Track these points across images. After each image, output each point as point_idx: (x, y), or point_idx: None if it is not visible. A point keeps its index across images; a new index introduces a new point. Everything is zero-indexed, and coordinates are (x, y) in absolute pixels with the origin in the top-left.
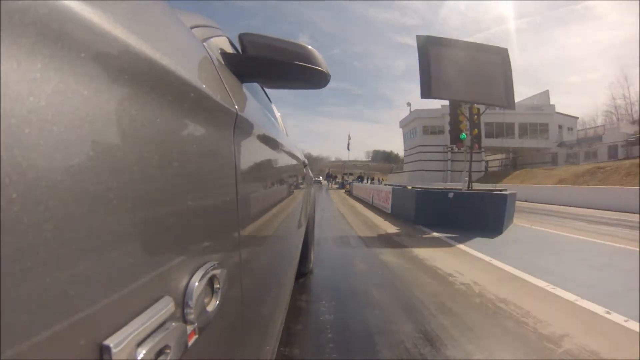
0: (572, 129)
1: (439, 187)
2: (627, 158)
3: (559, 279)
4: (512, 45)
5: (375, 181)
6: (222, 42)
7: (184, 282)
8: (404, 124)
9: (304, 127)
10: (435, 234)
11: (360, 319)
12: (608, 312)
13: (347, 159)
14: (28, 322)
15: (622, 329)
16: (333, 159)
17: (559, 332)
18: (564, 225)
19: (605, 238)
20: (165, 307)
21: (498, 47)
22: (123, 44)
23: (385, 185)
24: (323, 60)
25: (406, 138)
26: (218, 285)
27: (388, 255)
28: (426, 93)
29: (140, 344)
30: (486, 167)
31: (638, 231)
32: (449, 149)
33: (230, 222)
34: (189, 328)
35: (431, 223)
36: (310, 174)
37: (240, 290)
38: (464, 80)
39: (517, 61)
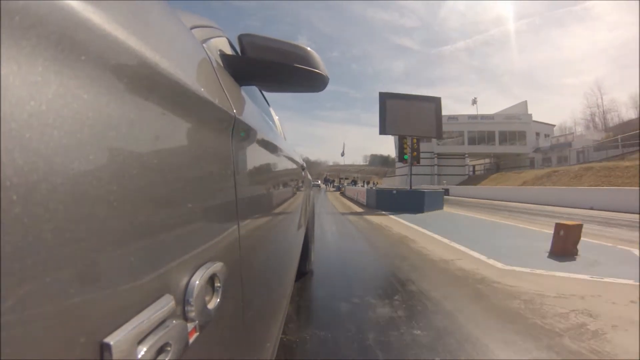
0: (548, 135)
1: (423, 188)
2: (585, 162)
3: (441, 232)
4: (511, 46)
5: (371, 184)
6: (221, 43)
7: (184, 281)
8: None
9: (301, 131)
10: (383, 212)
11: (334, 231)
12: (465, 248)
13: (344, 163)
14: (29, 320)
15: (464, 252)
16: (331, 163)
17: (429, 247)
18: (487, 213)
19: (508, 220)
20: (166, 305)
21: (433, 97)
22: (123, 46)
23: (376, 188)
24: (322, 62)
25: (397, 145)
26: (219, 284)
27: (351, 217)
28: (382, 131)
29: (140, 341)
30: (473, 171)
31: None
32: (435, 155)
33: (230, 223)
34: (190, 326)
35: (384, 207)
36: (309, 176)
37: (240, 289)
38: (408, 121)
39: (516, 62)
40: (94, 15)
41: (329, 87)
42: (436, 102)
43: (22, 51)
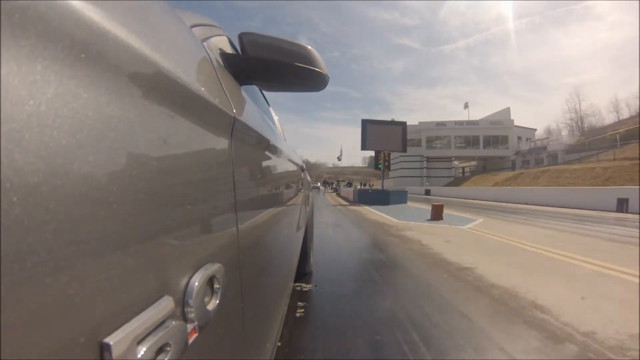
0: (529, 139)
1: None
2: (555, 164)
3: (386, 212)
4: (511, 46)
5: (367, 186)
6: (222, 42)
7: (184, 282)
8: None
9: (301, 133)
10: (361, 204)
11: (326, 213)
12: (390, 217)
13: (344, 165)
14: (29, 320)
15: (388, 218)
16: (330, 165)
17: (373, 217)
18: (454, 208)
19: (449, 210)
20: (165, 306)
21: (401, 122)
22: (123, 45)
23: (359, 188)
24: (322, 61)
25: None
26: (218, 285)
27: (338, 207)
28: (363, 147)
29: (140, 341)
30: (463, 172)
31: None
32: (424, 159)
33: (229, 224)
34: (189, 326)
35: (363, 202)
36: (308, 178)
37: (239, 290)
38: (382, 139)
39: (516, 62)
40: (93, 14)
41: (328, 88)
42: (403, 125)
43: (22, 50)
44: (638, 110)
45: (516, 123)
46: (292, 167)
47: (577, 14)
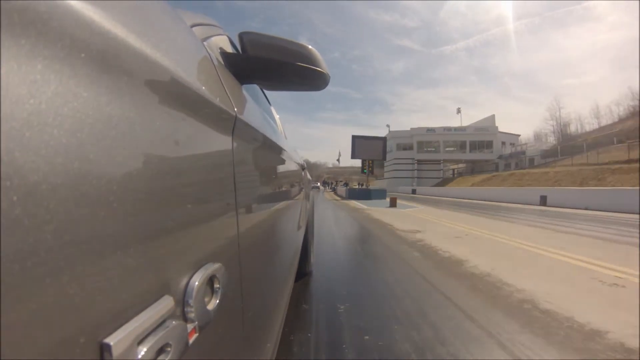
0: (513, 144)
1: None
2: (524, 168)
3: (364, 204)
4: (511, 47)
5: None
6: (222, 42)
7: (184, 282)
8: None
9: (301, 133)
10: (350, 199)
11: (323, 206)
12: (365, 206)
13: (343, 165)
14: (29, 320)
15: (363, 206)
16: (330, 166)
17: (353, 206)
18: (407, 200)
19: (406, 201)
20: (165, 305)
21: (382, 137)
22: (123, 45)
23: (349, 187)
24: (323, 61)
25: (386, 151)
26: (218, 285)
27: (333, 202)
28: (353, 156)
29: (140, 342)
30: (453, 173)
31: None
32: (415, 161)
33: (229, 223)
34: (190, 326)
35: (352, 198)
36: (309, 176)
37: (240, 290)
38: (367, 150)
39: (516, 63)
40: (93, 13)
41: (328, 88)
42: (383, 139)
43: (22, 50)
44: (624, 114)
45: (513, 125)
46: (293, 166)
47: (576, 15)
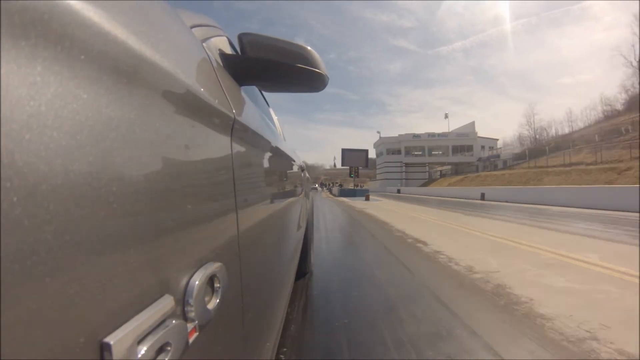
0: (492, 147)
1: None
2: (499, 169)
3: (350, 200)
4: (508, 47)
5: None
6: (221, 43)
7: (184, 281)
8: (375, 145)
9: (298, 135)
10: (340, 197)
11: (319, 201)
12: (349, 200)
13: (341, 166)
14: (29, 320)
15: (348, 201)
16: (328, 167)
17: (341, 200)
18: (385, 197)
19: (381, 197)
20: (165, 305)
21: (365, 149)
22: (122, 46)
23: (341, 187)
24: (322, 62)
25: (377, 155)
26: (218, 284)
27: (328, 199)
28: (343, 163)
29: (140, 341)
30: (440, 174)
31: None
32: (403, 164)
33: (229, 224)
34: (190, 326)
35: (342, 196)
36: (308, 175)
37: (240, 289)
38: (354, 159)
39: (513, 63)
40: (93, 15)
41: (326, 89)
42: (365, 151)
43: (22, 51)
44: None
45: (510, 124)
46: (292, 167)
47: (573, 15)
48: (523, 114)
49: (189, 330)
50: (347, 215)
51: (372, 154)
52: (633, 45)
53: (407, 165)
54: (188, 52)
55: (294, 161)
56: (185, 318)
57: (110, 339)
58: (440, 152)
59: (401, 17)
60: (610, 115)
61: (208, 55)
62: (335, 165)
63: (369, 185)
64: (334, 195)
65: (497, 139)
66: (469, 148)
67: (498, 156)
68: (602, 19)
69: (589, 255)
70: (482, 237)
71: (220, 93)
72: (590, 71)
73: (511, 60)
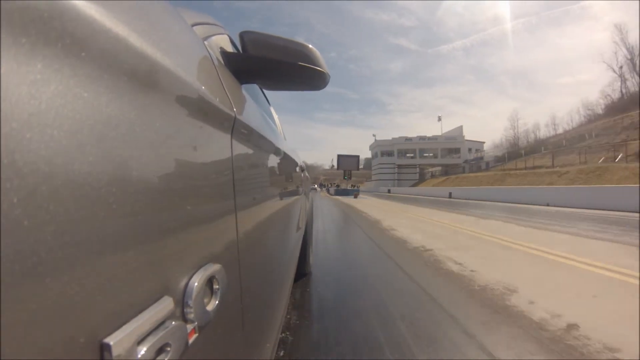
0: (479, 150)
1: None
2: (482, 170)
3: (342, 198)
4: (508, 46)
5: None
6: (222, 41)
7: (183, 282)
8: (371, 148)
9: (299, 134)
10: (335, 196)
11: (317, 199)
12: (343, 199)
13: (337, 169)
14: (29, 320)
15: (342, 200)
16: (327, 167)
17: (336, 198)
18: (373, 196)
19: (369, 196)
20: (165, 306)
21: (356, 155)
22: (123, 44)
23: (337, 187)
24: (323, 60)
25: (372, 157)
26: (217, 286)
27: (325, 198)
28: (338, 167)
29: (140, 342)
30: (432, 175)
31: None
32: (396, 166)
33: (228, 224)
34: (189, 327)
35: (337, 195)
36: (307, 175)
37: (239, 290)
38: (347, 163)
39: (513, 62)
40: (94, 12)
41: (326, 88)
42: (357, 157)
43: (22, 49)
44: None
45: (507, 123)
46: (292, 167)
47: (573, 15)
48: (508, 117)
49: (188, 331)
50: (337, 206)
51: (369, 155)
52: (615, 53)
53: (399, 166)
54: (189, 50)
55: (294, 161)
56: (184, 319)
57: (110, 340)
58: (431, 155)
59: (401, 16)
60: (592, 120)
61: (209, 53)
62: (333, 167)
63: (365, 185)
64: (330, 194)
65: (484, 142)
66: (457, 150)
67: (482, 158)
68: (602, 18)
69: (451, 221)
70: (411, 216)
71: (221, 91)
72: (590, 71)
73: (511, 59)
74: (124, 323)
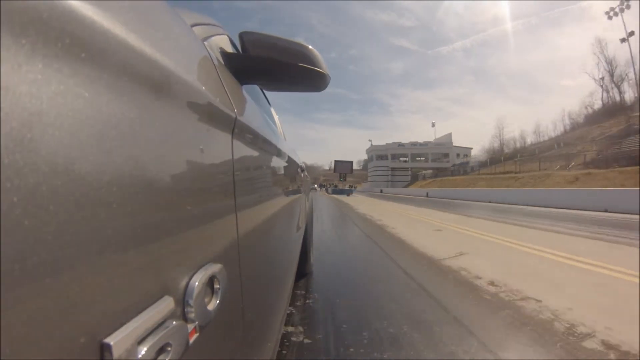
0: (466, 155)
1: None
2: (467, 174)
3: (337, 196)
4: (508, 47)
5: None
6: (222, 41)
7: (184, 282)
8: (367, 152)
9: (298, 134)
10: (332, 194)
11: (317, 198)
12: (340, 197)
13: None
14: (29, 320)
15: (340, 198)
16: (327, 168)
17: (334, 197)
18: (364, 195)
19: (363, 196)
20: (165, 306)
21: (349, 161)
22: (123, 44)
23: (333, 187)
24: (323, 61)
25: (369, 160)
26: (218, 285)
27: (323, 196)
28: (335, 171)
29: (141, 342)
30: (424, 177)
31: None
32: (390, 169)
33: (229, 224)
34: (190, 326)
35: (335, 193)
36: (308, 177)
37: (240, 290)
38: (342, 168)
39: (513, 63)
40: (94, 13)
41: (327, 89)
42: (351, 162)
43: (22, 49)
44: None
45: (507, 124)
46: (292, 167)
47: (573, 15)
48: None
49: (189, 330)
50: (332, 201)
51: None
52: (597, 64)
53: (393, 169)
54: (189, 51)
55: (295, 162)
56: (185, 319)
57: (111, 340)
58: (423, 159)
59: (401, 16)
60: (575, 128)
61: (209, 54)
62: (332, 170)
63: (362, 186)
64: (328, 193)
65: (471, 148)
66: (446, 155)
67: (468, 163)
68: (601, 19)
69: (402, 209)
70: (377, 206)
71: (221, 91)
72: (590, 72)
73: (511, 60)
74: (124, 323)
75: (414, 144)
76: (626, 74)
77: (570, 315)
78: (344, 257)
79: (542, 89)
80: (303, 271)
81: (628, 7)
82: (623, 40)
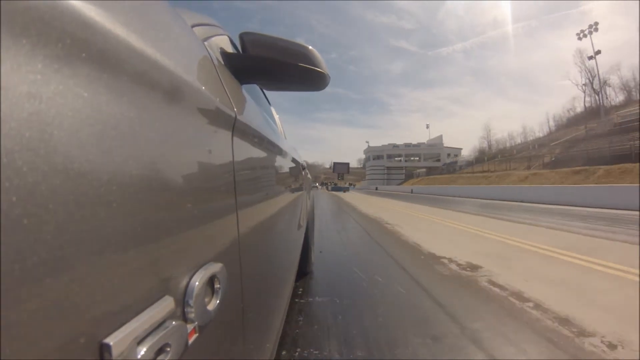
0: (457, 155)
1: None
2: (456, 172)
3: (336, 193)
4: (508, 49)
5: (352, 185)
6: (222, 42)
7: (184, 282)
8: (365, 152)
9: (299, 134)
10: (332, 191)
11: (319, 194)
12: (341, 194)
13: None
14: (29, 320)
15: (340, 195)
16: (327, 167)
17: (333, 194)
18: (362, 192)
19: (360, 193)
20: (165, 306)
21: (346, 162)
22: (124, 44)
23: (333, 185)
24: (323, 61)
25: (366, 161)
26: (218, 285)
27: (323, 193)
28: (334, 170)
29: (140, 342)
30: (418, 175)
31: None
32: (385, 168)
33: (229, 224)
34: (189, 327)
35: (334, 190)
36: (309, 175)
37: (240, 290)
38: (339, 168)
39: (512, 65)
40: (94, 13)
41: (327, 89)
42: (347, 164)
43: (22, 49)
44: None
45: (507, 124)
46: (293, 166)
47: (573, 18)
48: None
49: (188, 331)
50: (331, 197)
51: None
52: (580, 72)
53: (388, 168)
54: (189, 51)
55: (295, 160)
56: (185, 319)
57: (110, 340)
58: (416, 159)
59: (401, 18)
60: (559, 130)
61: (209, 54)
62: (332, 169)
63: (360, 184)
64: (328, 190)
65: (461, 149)
66: (437, 156)
67: (456, 162)
68: (600, 22)
69: (385, 202)
70: (367, 200)
71: (221, 91)
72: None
73: (511, 61)
74: (124, 323)
75: (407, 145)
76: (606, 81)
77: (419, 235)
78: (330, 215)
79: (542, 89)
80: (304, 270)
81: (596, 29)
82: (590, 57)
